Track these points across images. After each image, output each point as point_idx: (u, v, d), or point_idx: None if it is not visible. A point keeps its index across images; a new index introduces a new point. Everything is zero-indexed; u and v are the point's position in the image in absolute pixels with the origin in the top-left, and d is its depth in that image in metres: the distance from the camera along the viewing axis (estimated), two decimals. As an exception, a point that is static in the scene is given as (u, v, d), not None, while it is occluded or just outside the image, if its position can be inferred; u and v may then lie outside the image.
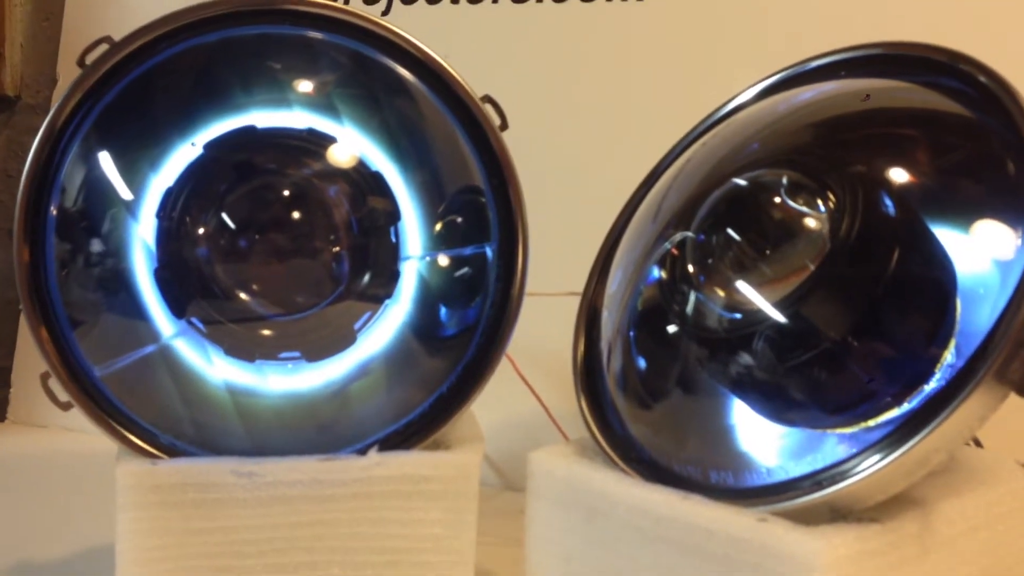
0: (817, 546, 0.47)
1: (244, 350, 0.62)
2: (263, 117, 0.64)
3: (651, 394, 0.62)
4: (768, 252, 0.56)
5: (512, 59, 0.78)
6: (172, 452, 0.61)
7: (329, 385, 0.64)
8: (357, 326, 0.63)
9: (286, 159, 0.63)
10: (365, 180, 0.63)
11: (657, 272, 0.63)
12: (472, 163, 0.66)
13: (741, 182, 0.58)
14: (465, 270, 0.65)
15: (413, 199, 0.65)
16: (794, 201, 0.55)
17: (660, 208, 0.66)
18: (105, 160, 0.62)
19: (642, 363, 0.63)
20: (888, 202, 0.54)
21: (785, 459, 0.53)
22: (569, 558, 0.60)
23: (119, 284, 0.63)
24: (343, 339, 0.63)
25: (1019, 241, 0.50)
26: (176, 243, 0.62)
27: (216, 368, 0.64)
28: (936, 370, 0.52)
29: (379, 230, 0.63)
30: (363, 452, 0.62)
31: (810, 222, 0.55)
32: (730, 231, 0.57)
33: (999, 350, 0.47)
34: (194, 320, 0.62)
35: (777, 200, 0.56)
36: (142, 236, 0.63)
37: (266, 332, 0.62)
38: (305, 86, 0.66)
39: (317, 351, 0.63)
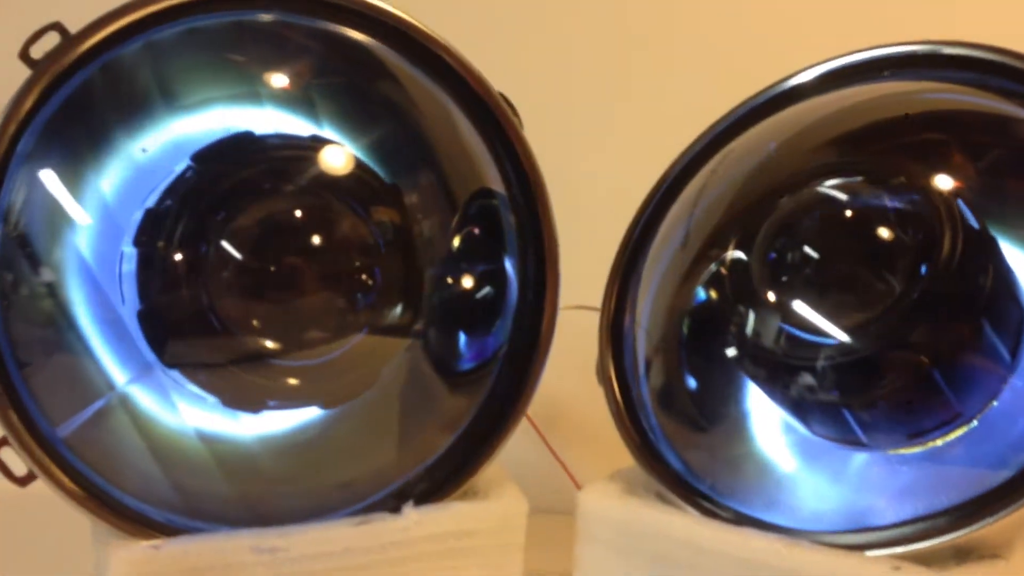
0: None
1: (249, 400, 0.53)
2: (240, 116, 0.54)
3: (706, 417, 0.58)
4: (852, 272, 0.52)
5: (500, 52, 0.70)
6: (168, 530, 0.51)
7: (330, 428, 0.55)
8: (386, 368, 0.54)
9: (291, 171, 0.53)
10: (381, 194, 0.55)
11: (704, 293, 0.58)
12: (484, 162, 0.58)
13: (818, 196, 0.54)
14: (487, 290, 0.58)
15: (424, 211, 0.57)
16: (880, 218, 0.52)
17: (691, 221, 0.61)
18: (50, 177, 0.50)
19: (694, 384, 0.58)
20: (971, 215, 0.52)
21: (885, 497, 0.50)
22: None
23: (67, 320, 0.52)
24: (365, 382, 0.54)
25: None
26: (162, 275, 0.51)
27: (184, 416, 0.54)
28: (1004, 387, 0.51)
29: (403, 251, 0.54)
30: (395, 509, 0.54)
31: (898, 239, 0.52)
32: (808, 250, 0.53)
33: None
34: (173, 365, 0.52)
35: (861, 217, 0.52)
36: (97, 263, 0.51)
37: (291, 381, 0.53)
38: (277, 80, 0.56)
39: (337, 399, 0.54)
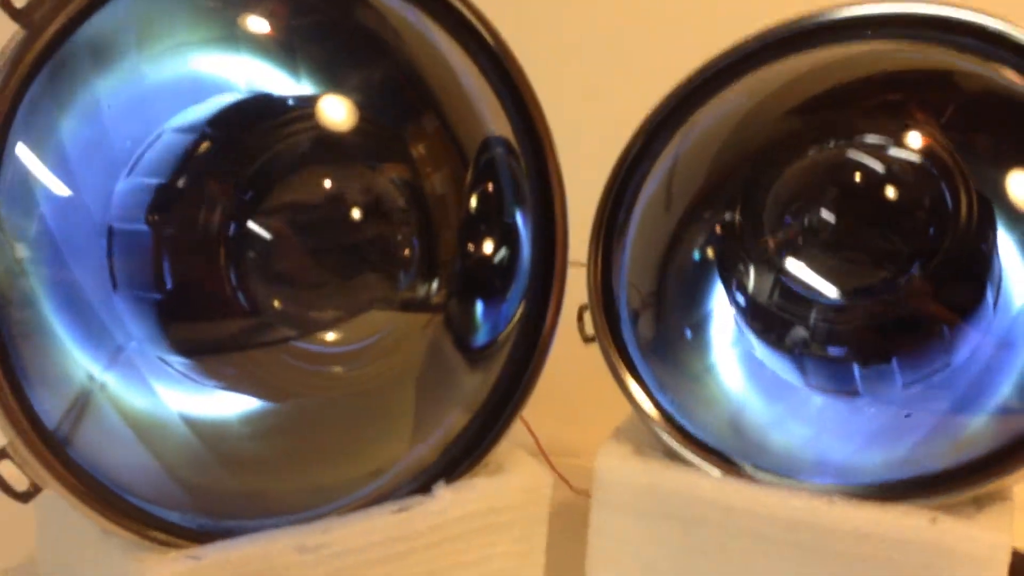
0: (997, 540, 0.48)
1: (271, 389, 0.48)
2: (224, 66, 0.47)
3: (699, 366, 0.59)
4: (869, 236, 0.54)
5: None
6: (193, 535, 0.45)
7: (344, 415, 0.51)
8: (407, 347, 0.51)
9: (311, 138, 0.47)
10: (391, 148, 0.50)
11: (700, 253, 0.59)
12: (487, 105, 0.54)
13: (831, 160, 0.55)
14: (503, 252, 0.54)
15: (434, 163, 0.52)
16: (896, 177, 0.54)
17: (672, 181, 0.61)
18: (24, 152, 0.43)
19: (689, 335, 0.59)
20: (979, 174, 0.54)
21: (908, 451, 0.53)
22: (651, 561, 0.56)
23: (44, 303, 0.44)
24: (388, 364, 0.50)
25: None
26: (186, 257, 0.44)
27: (168, 399, 0.48)
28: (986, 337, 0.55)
29: (419, 212, 0.50)
30: (424, 490, 0.51)
31: (916, 201, 0.54)
32: (825, 214, 0.55)
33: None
34: (189, 353, 0.46)
35: (877, 181, 0.54)
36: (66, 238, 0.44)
37: (336, 368, 0.48)
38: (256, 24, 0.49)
39: (359, 386, 0.50)
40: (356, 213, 0.47)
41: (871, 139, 0.56)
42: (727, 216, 0.58)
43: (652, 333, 0.61)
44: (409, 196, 0.50)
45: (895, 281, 0.54)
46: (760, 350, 0.58)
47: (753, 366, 0.59)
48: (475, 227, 0.53)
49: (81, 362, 0.45)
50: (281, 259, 0.46)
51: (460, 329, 0.53)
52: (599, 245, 0.62)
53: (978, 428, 0.52)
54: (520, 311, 0.55)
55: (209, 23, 0.48)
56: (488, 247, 0.54)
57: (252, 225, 0.45)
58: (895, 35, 0.59)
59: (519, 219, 0.55)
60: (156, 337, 0.46)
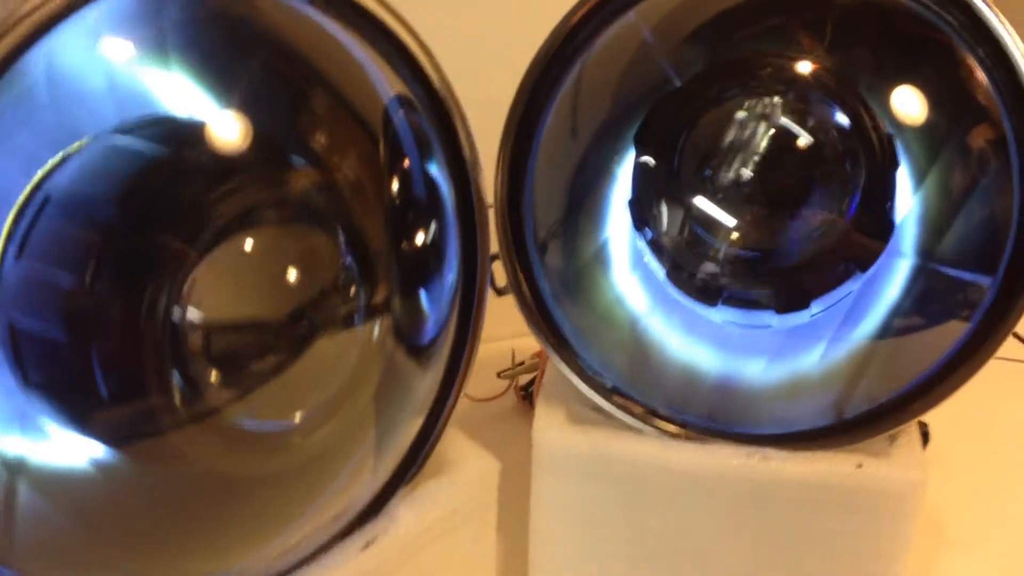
0: (912, 477, 0.53)
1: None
2: None
3: (623, 319, 0.59)
4: (787, 185, 0.55)
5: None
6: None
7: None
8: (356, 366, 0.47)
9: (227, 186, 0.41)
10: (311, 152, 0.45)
11: (610, 191, 0.59)
12: (378, 66, 0.49)
13: (742, 110, 0.55)
14: (434, 230, 0.51)
15: (340, 150, 0.47)
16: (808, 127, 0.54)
17: (577, 109, 0.59)
18: None
19: (614, 286, 0.60)
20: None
21: (812, 400, 0.57)
22: (596, 523, 0.58)
23: None
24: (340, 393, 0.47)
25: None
26: (113, 363, 0.39)
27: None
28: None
29: (355, 211, 0.46)
30: (377, 509, 0.50)
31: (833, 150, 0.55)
32: (744, 171, 0.55)
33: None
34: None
35: (791, 133, 0.55)
36: None
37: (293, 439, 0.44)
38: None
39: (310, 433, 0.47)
40: (292, 275, 0.43)
41: (774, 83, 0.56)
42: (639, 156, 0.57)
43: (561, 272, 0.60)
44: (327, 199, 0.46)
45: (816, 229, 0.55)
46: (671, 288, 0.58)
47: (666, 306, 0.60)
48: (401, 207, 0.49)
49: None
50: (220, 335, 0.42)
51: (409, 330, 0.50)
52: (506, 183, 0.60)
53: (886, 359, 0.56)
54: (456, 286, 0.53)
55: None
56: (418, 226, 0.50)
57: (188, 312, 0.40)
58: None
59: (441, 186, 0.51)
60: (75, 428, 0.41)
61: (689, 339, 0.60)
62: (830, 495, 0.54)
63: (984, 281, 0.54)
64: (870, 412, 0.55)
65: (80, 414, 0.40)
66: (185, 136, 0.41)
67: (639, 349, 0.60)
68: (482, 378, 0.59)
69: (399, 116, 0.50)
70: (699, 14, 0.59)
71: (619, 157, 0.58)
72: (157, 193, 0.40)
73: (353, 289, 0.46)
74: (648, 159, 0.57)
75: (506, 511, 0.56)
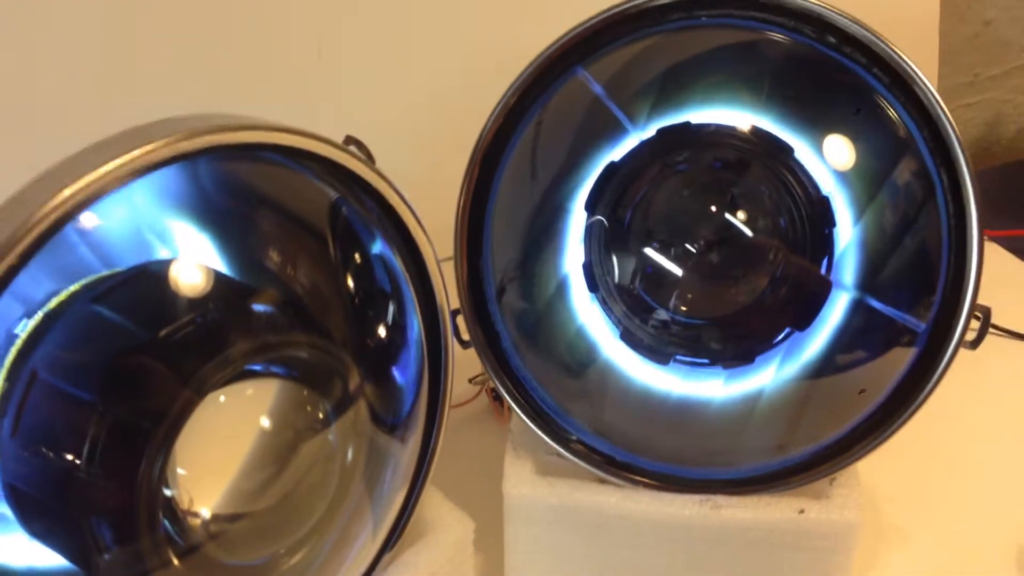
0: (849, 519, 0.59)
1: None
2: None
3: (581, 367, 0.63)
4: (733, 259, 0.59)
5: None
6: None
7: None
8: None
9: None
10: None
11: (564, 245, 0.61)
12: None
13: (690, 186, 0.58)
14: (391, 308, 0.53)
15: (293, 263, 0.49)
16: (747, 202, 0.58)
17: (535, 162, 0.62)
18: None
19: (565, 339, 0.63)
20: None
21: (757, 442, 0.61)
22: (566, 561, 0.64)
23: None
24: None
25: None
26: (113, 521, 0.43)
27: None
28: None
29: (314, 313, 0.49)
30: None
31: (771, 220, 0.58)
32: (688, 246, 0.58)
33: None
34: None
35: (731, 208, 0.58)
36: None
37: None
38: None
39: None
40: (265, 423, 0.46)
41: (717, 150, 0.59)
42: (592, 211, 0.60)
43: (522, 314, 0.63)
44: (291, 316, 0.49)
45: (760, 297, 0.59)
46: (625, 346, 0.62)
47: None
48: (360, 297, 0.52)
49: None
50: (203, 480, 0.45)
51: (384, 411, 0.53)
52: (464, 242, 0.62)
53: (827, 399, 0.61)
54: (423, 355, 0.56)
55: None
56: (381, 330, 0.53)
57: (178, 472, 0.43)
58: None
59: (394, 265, 0.54)
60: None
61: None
62: (776, 537, 0.59)
63: (918, 321, 0.58)
64: (814, 454, 0.60)
65: (77, 558, 0.44)
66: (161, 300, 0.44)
67: (599, 388, 0.64)
68: (455, 383, 0.63)
69: (344, 210, 0.52)
70: (649, 71, 0.61)
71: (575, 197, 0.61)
72: (140, 363, 0.43)
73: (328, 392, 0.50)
74: (600, 220, 0.60)
75: (485, 521, 0.60)
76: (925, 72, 0.56)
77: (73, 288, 0.42)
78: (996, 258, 1.07)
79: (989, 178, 1.30)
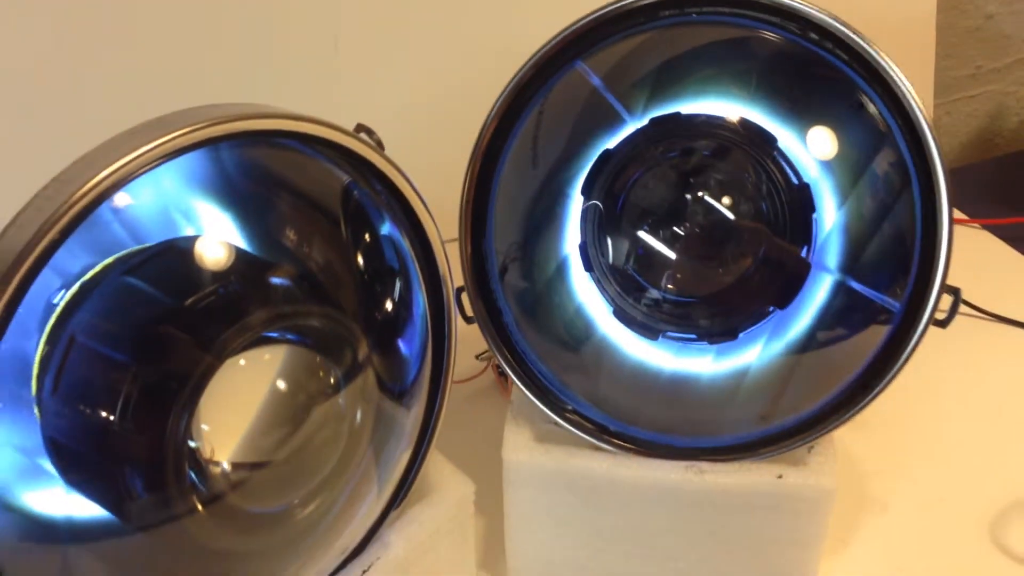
0: (825, 484, 0.63)
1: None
2: None
3: (578, 342, 0.67)
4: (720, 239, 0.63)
5: None
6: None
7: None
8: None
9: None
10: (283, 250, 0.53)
11: (564, 228, 0.65)
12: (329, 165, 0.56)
13: (675, 176, 0.62)
14: (398, 285, 0.58)
15: (308, 241, 0.54)
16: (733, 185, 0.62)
17: (536, 149, 0.66)
18: None
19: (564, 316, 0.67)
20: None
21: (743, 410, 0.65)
22: (561, 522, 0.68)
23: None
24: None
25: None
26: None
27: None
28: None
29: (328, 290, 0.53)
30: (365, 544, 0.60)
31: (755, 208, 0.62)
32: (677, 229, 0.62)
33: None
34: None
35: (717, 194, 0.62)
36: None
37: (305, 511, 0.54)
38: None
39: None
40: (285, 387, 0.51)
41: (706, 141, 0.62)
42: (588, 196, 0.64)
43: (524, 294, 0.67)
44: (305, 289, 0.53)
45: (744, 277, 0.63)
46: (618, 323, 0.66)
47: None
48: (369, 274, 0.56)
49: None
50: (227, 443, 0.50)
51: (390, 380, 0.57)
52: (468, 224, 0.66)
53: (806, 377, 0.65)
54: (428, 329, 0.61)
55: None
56: (388, 304, 0.57)
57: (203, 427, 0.48)
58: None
59: (401, 245, 0.59)
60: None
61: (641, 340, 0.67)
62: (756, 500, 0.64)
63: (894, 301, 0.62)
64: (793, 424, 0.64)
65: (111, 505, 0.49)
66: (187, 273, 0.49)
67: (595, 362, 0.68)
68: (460, 359, 0.65)
69: (356, 193, 0.57)
70: (645, 64, 0.65)
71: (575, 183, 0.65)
72: (168, 330, 0.48)
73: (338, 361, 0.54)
74: (595, 203, 0.64)
75: (486, 486, 0.65)
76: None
77: (107, 261, 0.47)
78: (993, 247, 1.09)
79: (990, 169, 1.33)
